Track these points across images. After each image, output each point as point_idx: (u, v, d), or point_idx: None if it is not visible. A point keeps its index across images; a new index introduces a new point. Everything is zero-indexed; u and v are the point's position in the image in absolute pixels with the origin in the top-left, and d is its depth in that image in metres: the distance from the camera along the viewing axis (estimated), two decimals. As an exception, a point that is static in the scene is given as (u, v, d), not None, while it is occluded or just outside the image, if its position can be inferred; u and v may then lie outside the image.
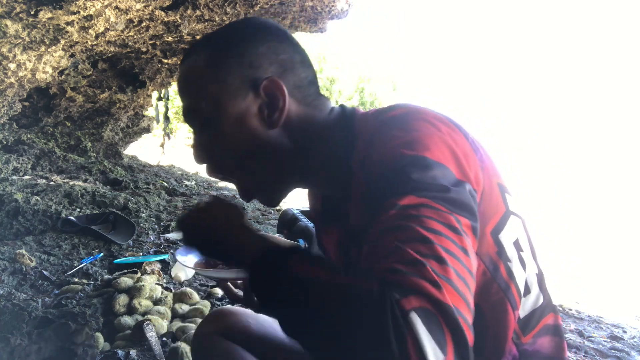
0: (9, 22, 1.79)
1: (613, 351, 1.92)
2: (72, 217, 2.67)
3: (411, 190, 0.52)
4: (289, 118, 0.66)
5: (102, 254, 2.33)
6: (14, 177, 3.41)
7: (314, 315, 0.47)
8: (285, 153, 0.67)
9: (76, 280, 1.99)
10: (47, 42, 2.03)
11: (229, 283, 0.85)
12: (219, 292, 2.02)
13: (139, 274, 1.95)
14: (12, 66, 2.09)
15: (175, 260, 2.37)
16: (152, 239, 2.74)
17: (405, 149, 0.56)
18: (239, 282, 0.87)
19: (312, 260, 0.52)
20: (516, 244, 0.65)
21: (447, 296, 0.44)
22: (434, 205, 0.51)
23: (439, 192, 0.52)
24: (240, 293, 0.85)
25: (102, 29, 2.17)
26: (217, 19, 2.64)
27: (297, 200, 4.51)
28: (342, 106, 0.73)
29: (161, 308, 1.73)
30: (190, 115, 0.69)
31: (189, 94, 0.68)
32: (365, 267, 0.52)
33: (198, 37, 3.07)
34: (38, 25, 1.89)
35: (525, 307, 0.66)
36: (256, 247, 0.58)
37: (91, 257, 2.28)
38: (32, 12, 1.76)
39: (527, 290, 0.66)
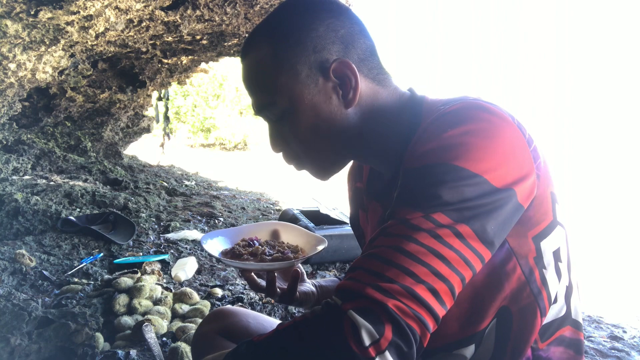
0: (9, 22, 1.79)
1: (613, 351, 1.92)
2: (72, 217, 2.67)
3: (426, 207, 0.53)
4: (360, 96, 0.67)
5: (102, 254, 2.33)
6: (14, 177, 3.42)
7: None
8: (357, 131, 0.68)
9: (76, 280, 1.99)
10: (47, 42, 2.03)
11: (252, 274, 0.85)
12: (219, 292, 2.02)
13: (139, 274, 1.95)
14: (12, 66, 2.09)
15: (175, 259, 2.37)
16: (152, 239, 2.74)
17: (447, 155, 0.55)
18: (261, 272, 0.87)
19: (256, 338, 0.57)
20: (556, 254, 0.65)
21: (388, 296, 0.48)
22: (438, 219, 0.52)
23: (455, 204, 0.52)
24: (263, 283, 0.85)
25: (102, 29, 2.17)
26: (217, 19, 2.64)
27: (297, 200, 4.51)
28: (411, 90, 0.73)
29: (161, 308, 1.73)
30: (264, 109, 0.69)
31: (261, 89, 0.68)
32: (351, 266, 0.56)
33: (198, 37, 3.07)
34: (38, 25, 1.89)
35: (549, 315, 0.66)
36: None
37: (91, 257, 2.28)
38: (32, 12, 1.76)
39: (555, 300, 0.66)
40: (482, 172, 0.54)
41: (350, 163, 0.89)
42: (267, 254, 0.83)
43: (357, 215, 0.89)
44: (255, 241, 0.89)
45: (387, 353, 0.47)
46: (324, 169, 0.73)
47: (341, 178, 0.99)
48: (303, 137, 0.68)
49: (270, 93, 0.66)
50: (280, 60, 0.65)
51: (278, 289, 0.84)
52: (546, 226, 0.63)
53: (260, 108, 0.69)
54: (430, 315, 0.49)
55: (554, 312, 0.67)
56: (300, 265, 0.88)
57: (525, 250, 0.62)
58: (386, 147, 0.70)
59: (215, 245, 0.87)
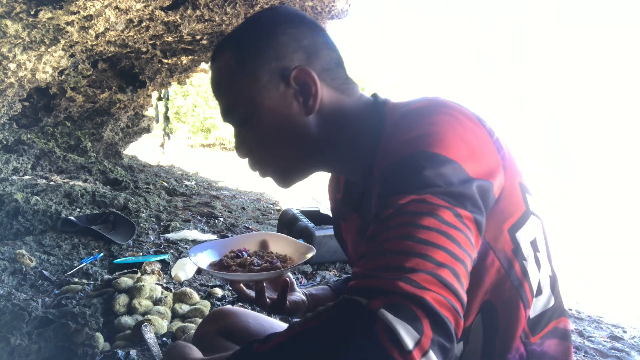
0: (9, 22, 1.79)
1: (613, 351, 1.92)
2: (72, 217, 2.67)
3: (415, 190, 0.52)
4: (322, 103, 0.68)
5: (102, 254, 2.33)
6: (14, 177, 3.42)
7: None
8: (319, 138, 0.69)
9: (76, 280, 1.99)
10: (47, 42, 2.02)
11: (242, 285, 0.86)
12: (218, 292, 2.02)
13: (139, 274, 1.95)
14: (12, 66, 2.09)
15: (176, 259, 2.37)
16: (152, 239, 2.74)
17: (420, 144, 0.55)
18: (250, 283, 0.87)
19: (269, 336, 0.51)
20: (533, 244, 0.65)
21: (421, 288, 0.44)
22: (433, 201, 0.51)
23: (443, 186, 0.52)
24: (252, 294, 0.86)
25: (102, 29, 2.17)
26: (217, 19, 2.64)
27: (297, 200, 4.51)
28: (374, 95, 0.74)
29: (161, 308, 1.73)
30: (228, 114, 0.71)
31: (224, 95, 0.70)
32: (353, 270, 0.52)
33: (198, 37, 3.07)
34: (38, 25, 1.89)
35: (536, 307, 0.66)
36: None
37: (91, 257, 2.28)
38: (32, 12, 1.76)
39: (539, 291, 0.66)
40: (456, 158, 0.54)
41: (330, 174, 0.89)
42: (256, 264, 0.83)
43: (340, 226, 0.89)
44: (243, 252, 0.89)
45: (431, 352, 0.41)
46: (284, 176, 0.74)
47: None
48: (264, 142, 0.69)
49: (233, 98, 0.69)
50: (243, 67, 0.67)
51: (268, 299, 0.84)
52: (519, 217, 0.63)
53: (224, 113, 0.72)
54: (458, 300, 0.45)
55: (541, 304, 0.66)
56: (290, 274, 0.88)
57: (502, 243, 0.62)
58: (353, 154, 0.71)
59: (204, 258, 0.88)
